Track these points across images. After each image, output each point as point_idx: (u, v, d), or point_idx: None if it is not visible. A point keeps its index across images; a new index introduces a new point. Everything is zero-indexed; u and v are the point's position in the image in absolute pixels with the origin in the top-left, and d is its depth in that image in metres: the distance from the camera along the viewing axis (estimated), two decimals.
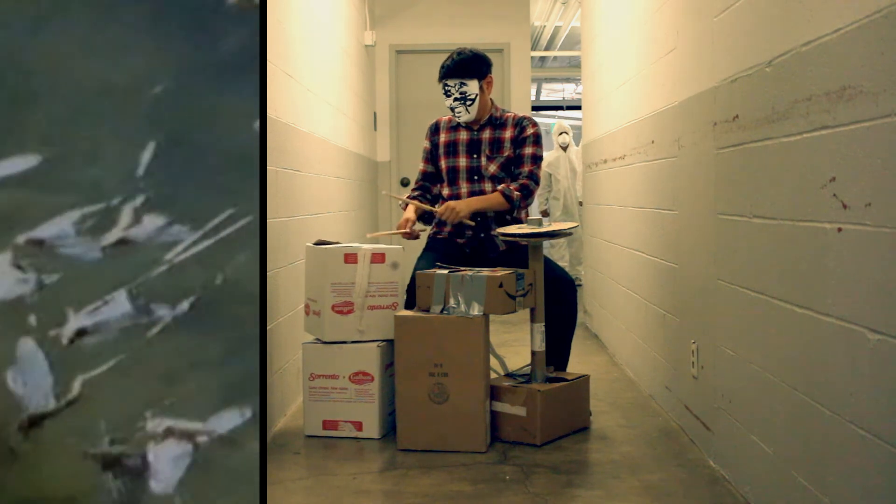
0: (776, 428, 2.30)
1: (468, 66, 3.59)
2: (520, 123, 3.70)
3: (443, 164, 3.72)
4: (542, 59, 13.56)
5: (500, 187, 3.60)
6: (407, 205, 3.74)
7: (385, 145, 7.63)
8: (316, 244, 3.50)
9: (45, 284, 1.77)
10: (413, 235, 3.63)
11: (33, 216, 1.77)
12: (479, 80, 3.61)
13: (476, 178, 3.67)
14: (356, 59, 6.27)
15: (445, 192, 3.73)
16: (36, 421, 1.76)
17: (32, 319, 1.76)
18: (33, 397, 1.75)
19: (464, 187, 3.68)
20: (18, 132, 1.77)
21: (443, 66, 3.64)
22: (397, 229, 3.63)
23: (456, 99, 3.61)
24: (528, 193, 3.62)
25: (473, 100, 3.60)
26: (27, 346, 1.76)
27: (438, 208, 3.61)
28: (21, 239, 1.77)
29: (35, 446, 1.77)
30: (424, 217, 3.76)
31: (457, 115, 3.65)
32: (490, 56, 3.81)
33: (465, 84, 3.59)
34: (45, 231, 1.77)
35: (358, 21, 6.49)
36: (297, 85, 3.90)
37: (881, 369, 1.72)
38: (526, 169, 3.64)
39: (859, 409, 1.81)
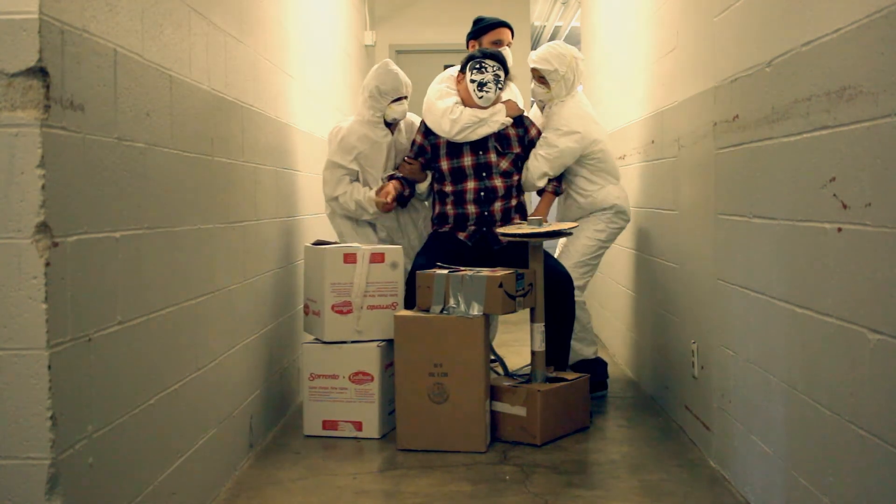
0: (776, 428, 2.29)
1: (506, 65, 3.75)
2: (521, 122, 3.74)
3: (444, 164, 3.69)
4: None
5: (549, 188, 3.82)
6: (391, 179, 3.74)
7: None
8: (315, 244, 3.50)
9: None
10: (388, 208, 3.72)
11: None
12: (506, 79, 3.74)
13: (485, 174, 3.66)
14: (356, 59, 6.26)
15: (448, 188, 3.69)
16: None
17: None
18: None
19: (471, 184, 3.66)
20: None
21: (483, 50, 3.74)
22: (376, 195, 3.69)
23: (488, 80, 3.63)
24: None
25: (502, 88, 3.69)
26: None
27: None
28: None
29: None
30: (401, 200, 3.76)
31: (485, 90, 3.63)
32: None
33: (499, 72, 3.67)
34: None
35: (358, 21, 6.48)
36: (297, 85, 3.89)
37: (881, 369, 1.71)
38: None
39: (859, 409, 1.81)
